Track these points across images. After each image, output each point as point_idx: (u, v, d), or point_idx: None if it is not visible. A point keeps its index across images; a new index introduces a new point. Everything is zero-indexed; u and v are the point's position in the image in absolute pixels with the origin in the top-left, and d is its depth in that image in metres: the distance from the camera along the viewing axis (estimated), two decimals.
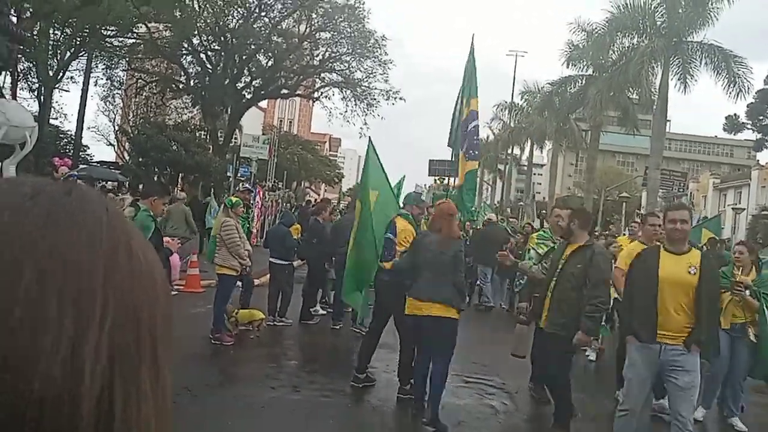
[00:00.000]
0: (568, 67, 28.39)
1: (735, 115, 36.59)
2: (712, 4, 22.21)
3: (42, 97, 22.24)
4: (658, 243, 4.97)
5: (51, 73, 21.94)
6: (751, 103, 32.77)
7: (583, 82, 28.50)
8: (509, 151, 46.79)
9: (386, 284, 5.85)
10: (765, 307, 5.85)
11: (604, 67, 26.46)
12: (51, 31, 21.37)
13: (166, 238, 7.36)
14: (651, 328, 4.24)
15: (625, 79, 23.93)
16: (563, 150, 43.12)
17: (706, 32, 22.71)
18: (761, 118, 35.49)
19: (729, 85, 22.32)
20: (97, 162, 28.98)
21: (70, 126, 27.08)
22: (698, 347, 4.20)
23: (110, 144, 36.99)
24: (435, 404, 5.01)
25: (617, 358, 6.09)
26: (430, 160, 20.63)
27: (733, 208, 32.27)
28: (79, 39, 22.20)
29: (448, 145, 8.86)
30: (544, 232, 6.33)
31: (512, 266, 6.04)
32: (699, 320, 4.18)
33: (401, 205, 6.68)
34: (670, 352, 4.21)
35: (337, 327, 8.61)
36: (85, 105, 25.09)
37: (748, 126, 36.40)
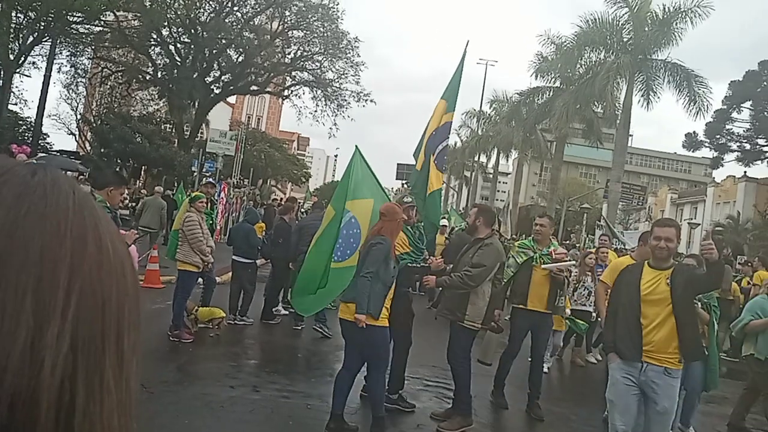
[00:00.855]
0: (536, 79, 28.95)
1: (694, 132, 37.67)
2: (676, 25, 22.95)
3: (1, 81, 21.52)
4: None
5: (12, 57, 21.24)
6: (710, 122, 33.79)
7: (551, 93, 29.03)
8: (476, 159, 47.24)
9: None
10: (715, 321, 6.05)
11: (571, 80, 27.01)
12: (13, 14, 20.71)
13: (122, 230, 7.21)
14: (634, 344, 4.07)
15: (591, 93, 24.46)
16: (528, 159, 43.86)
17: (670, 51, 23.50)
18: (718, 137, 36.65)
19: (690, 104, 23.07)
20: (57, 151, 28.14)
21: (30, 113, 26.30)
22: (680, 366, 4.07)
23: (71, 133, 35.98)
24: (378, 408, 4.89)
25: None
26: (398, 164, 20.82)
27: (688, 223, 33.19)
28: (43, 23, 21.56)
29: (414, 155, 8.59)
30: (527, 241, 6.51)
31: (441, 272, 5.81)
32: (680, 334, 4.01)
33: None
34: (651, 373, 4.03)
35: (299, 327, 8.59)
36: (46, 92, 24.33)
37: (706, 144, 37.52)
